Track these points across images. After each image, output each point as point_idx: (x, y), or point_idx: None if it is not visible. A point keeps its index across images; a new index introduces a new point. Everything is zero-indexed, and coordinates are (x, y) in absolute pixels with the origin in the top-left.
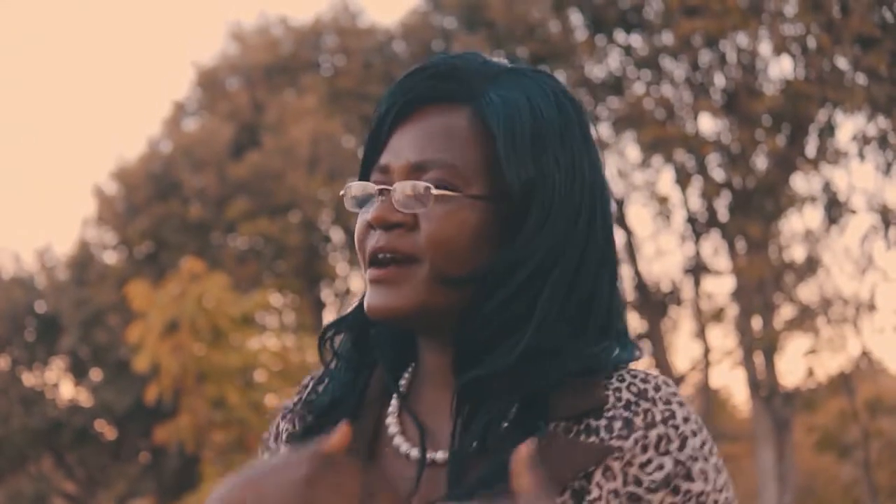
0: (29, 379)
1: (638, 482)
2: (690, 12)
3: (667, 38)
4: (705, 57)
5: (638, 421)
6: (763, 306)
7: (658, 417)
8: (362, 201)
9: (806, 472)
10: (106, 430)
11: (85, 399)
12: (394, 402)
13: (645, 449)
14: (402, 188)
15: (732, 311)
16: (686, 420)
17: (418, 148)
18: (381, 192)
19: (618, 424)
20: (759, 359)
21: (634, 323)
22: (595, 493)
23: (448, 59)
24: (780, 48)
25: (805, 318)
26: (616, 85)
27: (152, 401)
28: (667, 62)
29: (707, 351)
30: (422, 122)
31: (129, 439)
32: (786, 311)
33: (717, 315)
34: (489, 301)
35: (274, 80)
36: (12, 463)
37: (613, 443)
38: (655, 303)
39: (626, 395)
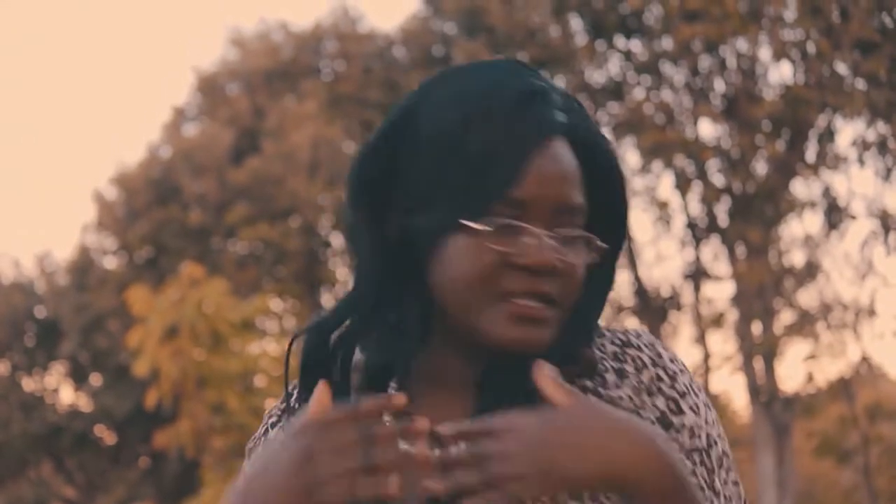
0: (29, 384)
1: None
2: (690, 17)
3: (667, 43)
4: (705, 62)
5: (628, 368)
6: (763, 311)
7: (647, 361)
8: (489, 231)
9: (806, 477)
10: (106, 435)
11: (85, 404)
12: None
13: (639, 392)
14: (564, 237)
15: (732, 316)
16: (672, 360)
17: (564, 188)
18: (533, 233)
19: (611, 378)
20: (758, 364)
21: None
22: None
23: (541, 83)
24: (779, 53)
25: (805, 324)
26: (616, 90)
27: (152, 406)
28: (667, 67)
29: (707, 356)
30: (557, 157)
31: (128, 444)
32: (786, 317)
33: (717, 320)
34: (593, 316)
35: (274, 85)
36: (12, 468)
37: (612, 393)
38: (655, 308)
39: (610, 347)
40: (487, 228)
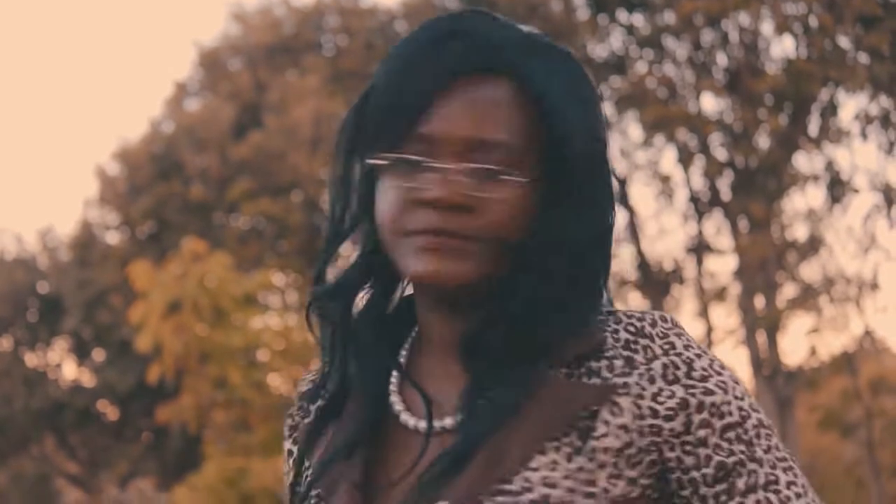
0: (31, 360)
1: (655, 413)
2: None
3: (669, 17)
4: (707, 36)
5: (639, 357)
6: (765, 285)
7: (658, 351)
8: (392, 169)
9: (809, 451)
10: (108, 410)
11: (87, 379)
12: (394, 378)
13: (652, 380)
14: (466, 170)
15: (735, 290)
16: (687, 347)
17: (472, 123)
18: (436, 168)
19: (619, 363)
20: (761, 338)
21: (637, 302)
22: (602, 429)
23: (473, 20)
24: (782, 27)
25: (808, 297)
26: (618, 64)
27: (154, 381)
28: (669, 41)
29: (710, 330)
30: (469, 94)
31: (131, 419)
32: (788, 290)
33: (720, 294)
34: (545, 269)
35: (276, 60)
36: (15, 444)
37: (617, 380)
38: (658, 282)
39: (623, 335)
40: (384, 163)
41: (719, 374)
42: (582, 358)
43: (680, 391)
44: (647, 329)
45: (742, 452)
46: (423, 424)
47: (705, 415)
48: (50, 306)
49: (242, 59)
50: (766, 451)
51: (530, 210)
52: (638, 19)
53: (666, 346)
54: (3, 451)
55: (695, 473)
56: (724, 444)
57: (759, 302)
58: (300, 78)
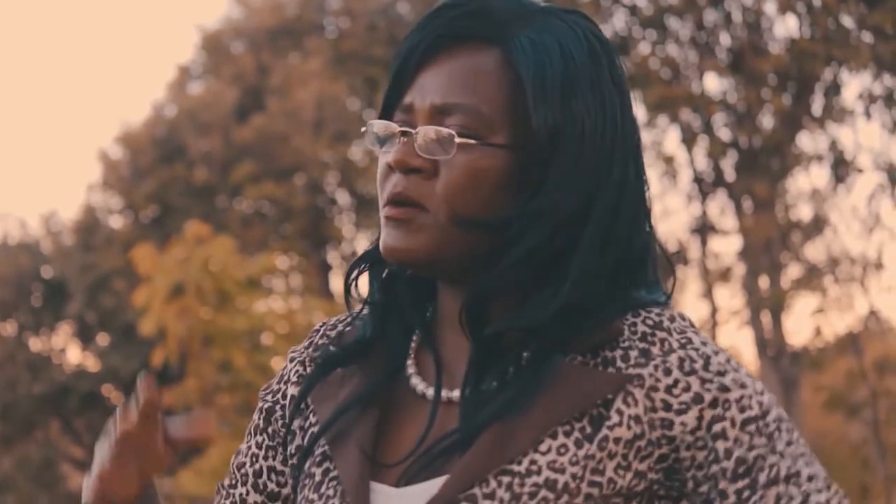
0: (36, 344)
1: (667, 406)
2: None
3: None
4: (711, 16)
5: (655, 350)
6: (770, 266)
7: (675, 345)
8: (384, 140)
9: (814, 431)
10: (113, 394)
11: (92, 364)
12: (412, 343)
13: (668, 372)
14: (425, 132)
15: (739, 270)
16: (704, 343)
17: (444, 90)
18: (403, 133)
19: (634, 353)
20: (766, 318)
21: None
22: (615, 418)
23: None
24: (785, 7)
25: (812, 278)
26: (621, 45)
27: (159, 365)
28: (672, 22)
29: (714, 311)
30: (449, 63)
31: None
32: (793, 271)
33: (724, 275)
34: (515, 248)
35: (278, 42)
36: (20, 429)
37: (631, 371)
38: (662, 263)
39: (641, 327)
40: (367, 133)
41: (736, 370)
42: (597, 346)
43: (695, 384)
44: (666, 323)
45: (763, 446)
46: (431, 391)
47: (720, 410)
48: (54, 291)
49: (245, 42)
50: (788, 445)
51: (503, 183)
52: (641, 0)
53: (683, 341)
54: (8, 437)
55: (714, 468)
56: (745, 438)
57: (764, 282)
58: (303, 60)
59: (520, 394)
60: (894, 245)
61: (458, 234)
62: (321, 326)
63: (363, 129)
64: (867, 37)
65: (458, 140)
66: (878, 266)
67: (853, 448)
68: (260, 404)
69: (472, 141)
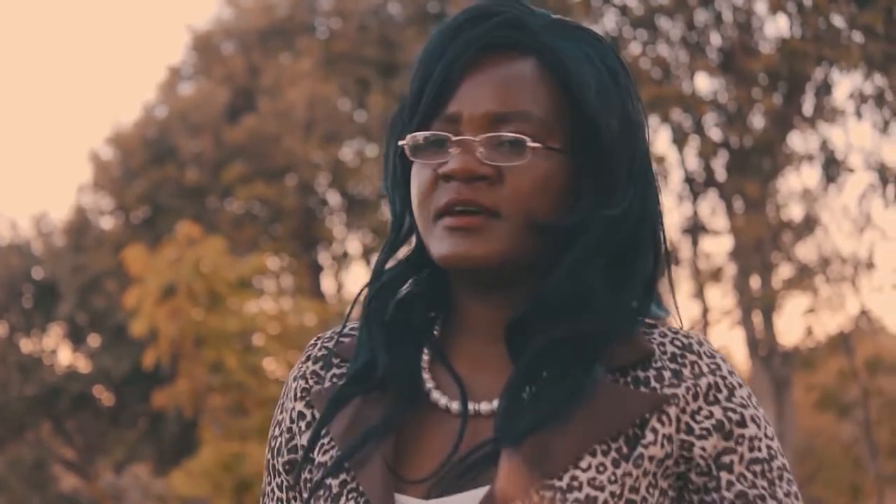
0: (27, 345)
1: (689, 430)
2: None
3: None
4: (701, 16)
5: (686, 372)
6: (761, 265)
7: (705, 369)
8: (422, 150)
9: (806, 431)
10: (104, 396)
11: (83, 365)
12: (425, 356)
13: (696, 397)
14: (489, 140)
15: (731, 270)
16: (731, 373)
17: (498, 98)
18: (458, 142)
19: (667, 374)
20: (757, 318)
21: None
22: (650, 437)
23: (505, 6)
24: (775, 6)
25: (803, 277)
26: (612, 45)
27: (150, 366)
28: (663, 21)
29: (705, 311)
30: (495, 71)
31: (127, 405)
32: (784, 271)
33: (716, 275)
34: (587, 251)
35: (269, 43)
36: (11, 430)
37: (666, 391)
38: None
39: (670, 348)
40: (408, 143)
41: (756, 409)
42: (628, 366)
43: (718, 413)
44: (695, 346)
45: (765, 489)
46: (454, 405)
47: (732, 443)
48: (44, 292)
49: (236, 43)
50: (787, 496)
51: (563, 187)
52: (631, 0)
53: (713, 366)
54: None
55: (714, 496)
56: (749, 476)
57: (755, 282)
58: (294, 61)
59: (558, 407)
60: (885, 245)
61: (529, 240)
62: (317, 340)
63: (402, 142)
64: (858, 36)
65: (529, 144)
66: (870, 266)
67: (845, 447)
68: (270, 443)
69: (540, 145)
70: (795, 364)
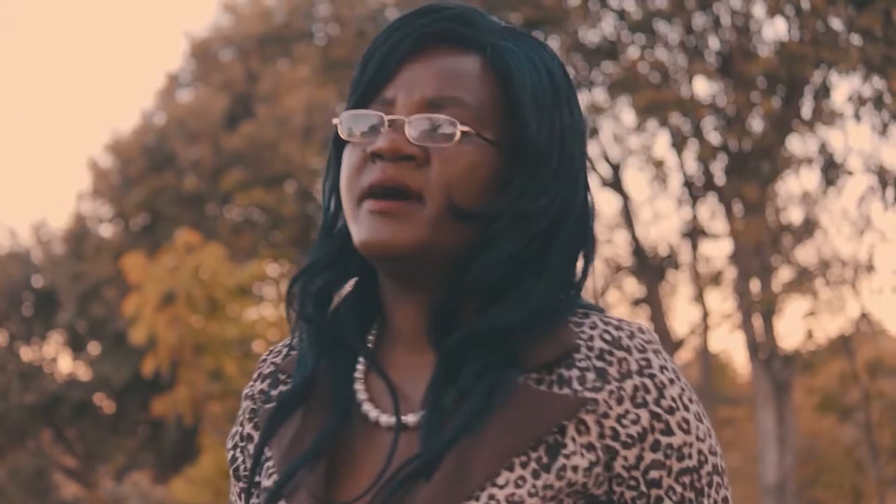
0: (27, 354)
1: (615, 435)
2: None
3: (660, 1)
4: (699, 20)
5: (612, 371)
6: (761, 269)
7: (633, 367)
8: (358, 131)
9: (807, 434)
10: (104, 403)
11: (83, 373)
12: (359, 366)
13: (620, 401)
14: (419, 121)
15: (730, 274)
16: (663, 369)
17: (435, 84)
18: (390, 122)
19: (591, 376)
20: (757, 322)
21: (632, 288)
22: (570, 446)
23: (458, 7)
24: (773, 10)
25: (803, 281)
26: (610, 50)
27: (150, 373)
28: (661, 26)
29: (706, 314)
30: (435, 61)
31: (127, 412)
32: (784, 274)
33: (716, 278)
34: (496, 246)
35: (267, 50)
36: (11, 438)
37: (587, 395)
38: (653, 267)
39: (598, 343)
40: (341, 122)
41: (686, 408)
42: (552, 363)
43: (645, 418)
44: (625, 341)
45: (690, 501)
46: (384, 418)
47: (660, 455)
48: (44, 300)
49: (234, 50)
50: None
51: (489, 178)
52: (629, 4)
53: (642, 363)
54: (0, 446)
55: None
56: (678, 489)
57: (755, 286)
58: (291, 67)
59: (475, 414)
60: (885, 247)
61: (448, 228)
62: (267, 355)
63: (335, 120)
64: (856, 39)
65: (460, 128)
66: (870, 268)
67: (846, 450)
68: (228, 452)
69: (471, 130)
70: (796, 367)
